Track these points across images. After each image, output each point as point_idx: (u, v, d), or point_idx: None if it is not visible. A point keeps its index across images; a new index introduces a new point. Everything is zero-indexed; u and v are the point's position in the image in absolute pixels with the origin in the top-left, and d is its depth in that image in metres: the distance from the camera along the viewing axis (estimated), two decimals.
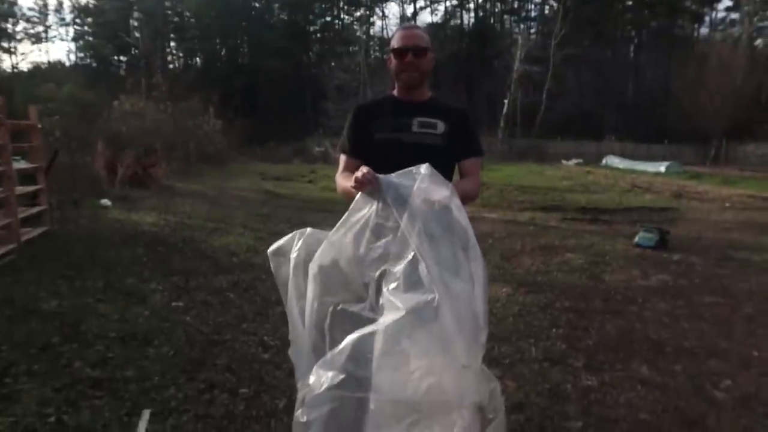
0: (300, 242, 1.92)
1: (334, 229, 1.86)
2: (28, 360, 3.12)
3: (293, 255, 1.91)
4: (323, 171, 18.21)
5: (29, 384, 2.86)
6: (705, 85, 28.47)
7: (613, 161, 25.46)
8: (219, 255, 5.81)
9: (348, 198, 1.95)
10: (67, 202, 7.93)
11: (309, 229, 1.94)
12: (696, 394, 3.09)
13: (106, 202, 8.45)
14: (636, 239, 7.19)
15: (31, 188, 6.36)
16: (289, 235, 1.94)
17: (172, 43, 42.76)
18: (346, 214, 1.82)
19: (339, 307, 1.81)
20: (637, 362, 3.50)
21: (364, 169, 1.80)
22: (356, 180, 1.79)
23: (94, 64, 41.33)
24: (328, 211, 8.88)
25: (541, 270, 5.80)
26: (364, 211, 1.81)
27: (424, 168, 1.77)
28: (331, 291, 1.83)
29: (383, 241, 1.76)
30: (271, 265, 2.00)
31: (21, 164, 6.74)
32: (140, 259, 5.43)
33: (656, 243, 6.99)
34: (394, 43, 2.09)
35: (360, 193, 1.81)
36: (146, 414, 2.60)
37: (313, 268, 1.85)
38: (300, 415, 1.67)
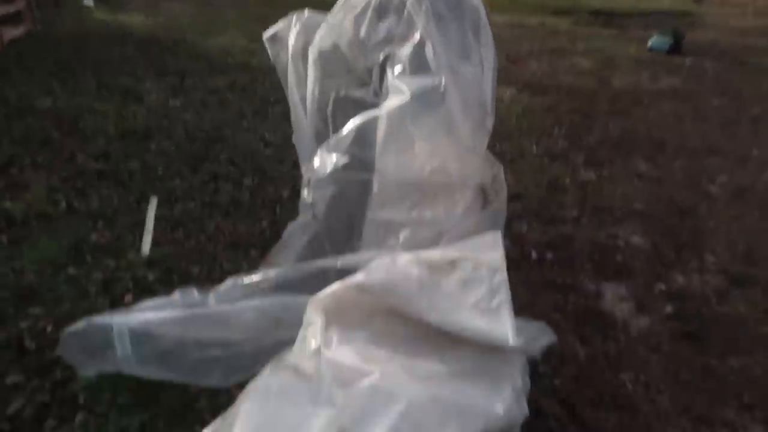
0: (298, 26, 1.80)
1: (334, 9, 1.73)
2: (30, 153, 3.12)
3: (291, 40, 1.81)
4: None
5: (35, 174, 2.90)
6: None
7: None
8: (213, 55, 5.56)
9: None
10: (47, 1, 7.40)
11: (307, 11, 1.81)
12: (691, 187, 3.16)
13: (88, 1, 7.89)
14: (649, 43, 6.85)
15: None
16: (286, 19, 1.81)
17: None
18: None
19: (342, 93, 1.75)
20: (636, 159, 3.52)
21: None
22: None
23: None
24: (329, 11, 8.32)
25: (547, 73, 5.61)
26: None
27: None
28: (332, 76, 1.76)
29: (387, 21, 1.64)
30: (269, 52, 1.90)
31: None
32: (132, 58, 5.20)
33: (670, 47, 6.67)
34: None
35: None
36: (154, 200, 2.68)
37: (313, 52, 1.76)
38: (306, 195, 1.69)
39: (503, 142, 3.63)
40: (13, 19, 5.83)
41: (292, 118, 1.91)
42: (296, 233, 1.80)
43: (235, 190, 2.88)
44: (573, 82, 5.31)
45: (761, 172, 3.40)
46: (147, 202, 2.68)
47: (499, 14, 9.67)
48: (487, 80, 1.64)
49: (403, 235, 1.64)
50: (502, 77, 5.18)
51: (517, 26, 8.44)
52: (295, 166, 3.08)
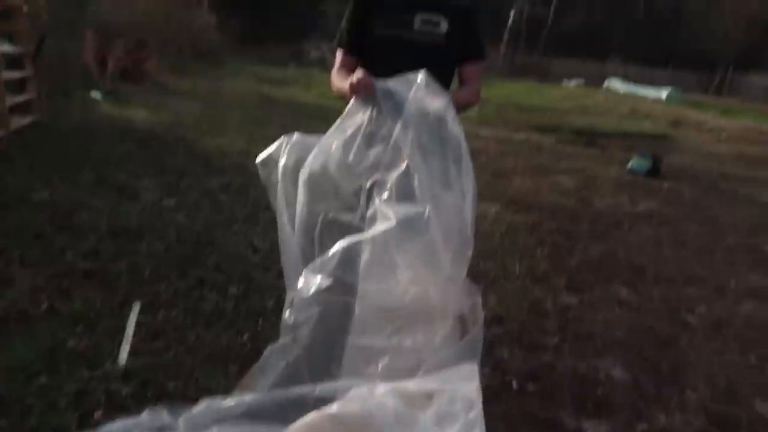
0: (287, 148, 1.86)
1: (326, 134, 1.82)
2: (20, 247, 3.14)
3: (281, 162, 1.86)
4: (320, 77, 17.71)
5: (22, 270, 2.90)
6: (719, 7, 27.42)
7: (615, 84, 24.90)
8: (211, 156, 5.75)
9: (342, 98, 1.89)
10: (57, 92, 7.71)
11: (297, 135, 1.87)
12: (670, 318, 3.22)
13: (96, 94, 8.23)
14: (629, 164, 7.19)
15: (18, 74, 6.15)
16: (277, 142, 1.88)
17: None
18: (339, 119, 1.78)
19: (329, 216, 1.80)
20: (617, 285, 3.60)
21: (359, 74, 1.75)
22: (351, 85, 1.74)
23: None
24: (322, 118, 8.64)
25: (531, 190, 5.83)
26: (357, 117, 1.77)
27: (420, 75, 1.71)
28: (320, 199, 1.81)
29: (375, 149, 1.73)
30: (261, 175, 1.97)
31: (6, 47, 6.48)
32: (132, 155, 5.36)
33: (649, 170, 7.01)
34: None
35: (354, 98, 1.76)
36: (137, 306, 2.67)
37: (303, 174, 1.81)
38: (288, 317, 1.71)
39: (487, 261, 3.71)
40: (22, 108, 6.05)
41: (280, 238, 1.94)
42: (275, 356, 1.80)
43: (220, 297, 2.88)
44: (556, 200, 5.51)
45: (738, 304, 3.48)
46: (130, 306, 2.67)
47: (487, 128, 10.17)
48: (468, 209, 1.70)
49: (382, 363, 1.65)
50: (488, 193, 5.41)
51: (504, 141, 8.84)
52: (281, 275, 3.11)
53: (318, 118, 8.98)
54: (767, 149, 10.73)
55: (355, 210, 1.78)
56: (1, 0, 5.87)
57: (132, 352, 2.34)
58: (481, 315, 1.77)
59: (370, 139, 1.74)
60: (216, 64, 17.31)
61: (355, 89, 1.74)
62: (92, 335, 2.43)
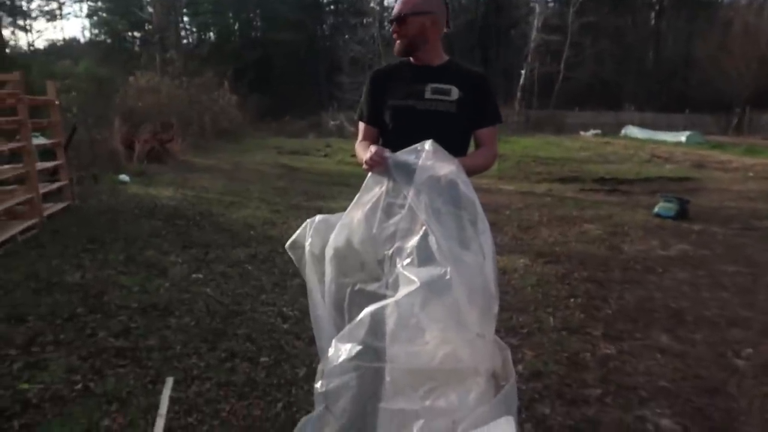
0: (311, 231, 1.97)
1: (347, 210, 1.90)
2: (54, 330, 3.19)
3: (307, 245, 1.96)
4: (338, 144, 18.16)
5: (56, 353, 2.93)
6: (729, 51, 27.65)
7: (633, 131, 24.98)
8: (236, 228, 5.85)
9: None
10: (87, 177, 8.02)
11: (318, 217, 1.98)
12: (716, 362, 3.08)
13: (124, 177, 8.53)
14: (656, 209, 7.09)
15: (51, 164, 6.43)
16: (301, 227, 1.98)
17: (185, 18, 42.39)
18: (358, 194, 1.87)
19: (356, 287, 1.87)
20: (656, 331, 3.48)
21: (373, 149, 1.85)
22: (366, 162, 1.85)
23: (109, 41, 41.19)
24: (343, 184, 8.88)
25: (558, 241, 5.76)
26: (374, 190, 1.86)
27: (428, 144, 1.79)
28: (347, 273, 1.89)
29: (395, 218, 1.80)
30: (293, 258, 2.03)
31: (40, 140, 6.81)
32: (159, 232, 5.49)
33: (676, 213, 6.89)
34: None
35: (370, 173, 1.86)
36: (170, 381, 2.66)
37: (328, 251, 1.90)
38: (320, 386, 1.71)
39: (520, 315, 3.63)
40: (55, 195, 6.29)
41: (312, 316, 2.00)
42: (310, 426, 1.79)
43: (252, 368, 2.86)
44: (584, 249, 5.43)
45: None
46: (163, 382, 2.67)
47: (508, 182, 10.22)
48: (489, 266, 1.73)
49: (417, 426, 1.63)
50: (515, 246, 5.37)
51: (526, 194, 8.84)
52: (311, 342, 3.09)
53: (339, 184, 9.19)
54: None
55: (381, 279, 1.84)
56: (33, 99, 6.22)
57: (166, 429, 2.31)
58: (512, 370, 1.74)
59: (388, 210, 1.82)
60: (238, 140, 17.91)
61: (369, 165, 1.84)
62: (126, 414, 2.42)
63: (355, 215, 1.86)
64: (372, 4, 39.98)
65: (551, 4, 38.52)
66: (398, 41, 2.05)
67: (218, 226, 5.88)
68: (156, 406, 2.46)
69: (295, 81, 36.93)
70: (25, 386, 2.59)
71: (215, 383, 2.70)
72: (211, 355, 2.98)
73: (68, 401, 2.50)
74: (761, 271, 4.74)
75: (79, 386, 2.61)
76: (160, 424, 2.34)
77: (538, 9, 32.81)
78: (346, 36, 37.95)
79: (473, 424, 1.59)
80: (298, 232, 1.97)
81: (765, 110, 27.97)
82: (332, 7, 46.58)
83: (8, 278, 3.99)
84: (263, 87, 29.63)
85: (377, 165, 1.82)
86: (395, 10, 2.04)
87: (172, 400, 2.52)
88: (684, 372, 2.96)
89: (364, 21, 38.64)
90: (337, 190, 8.40)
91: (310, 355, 2.98)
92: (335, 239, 1.87)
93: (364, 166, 1.86)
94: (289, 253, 1.99)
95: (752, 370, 3.00)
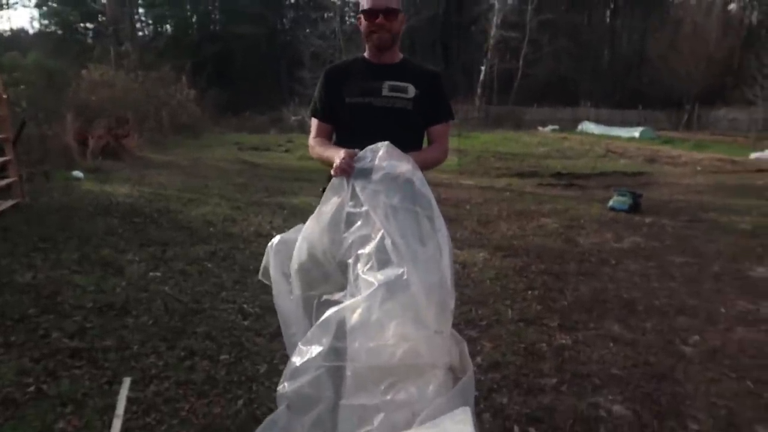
0: (272, 253, 2.01)
1: (307, 222, 1.93)
2: (4, 332, 3.09)
3: (271, 269, 2.01)
4: (300, 140, 18.01)
5: (6, 355, 2.84)
6: (679, 49, 28.62)
7: (589, 127, 25.64)
8: (196, 225, 5.76)
9: (323, 162, 2.00)
10: (38, 174, 7.74)
11: (276, 238, 2.02)
12: (665, 350, 3.21)
13: (78, 173, 8.27)
14: (610, 203, 7.32)
15: None
16: (265, 253, 2.03)
17: (141, 10, 41.32)
18: (318, 207, 1.89)
19: (323, 299, 1.90)
20: (609, 321, 3.61)
21: (342, 154, 1.82)
22: (335, 169, 1.82)
23: (60, 32, 39.78)
24: (305, 180, 8.82)
25: (517, 234, 5.88)
26: (333, 200, 1.86)
27: (384, 145, 1.81)
28: (312, 285, 1.93)
29: (354, 227, 1.81)
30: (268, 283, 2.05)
31: None
32: (115, 230, 5.35)
33: (629, 206, 7.12)
34: (364, 4, 2.04)
35: (333, 179, 1.85)
36: (127, 381, 2.62)
37: (293, 266, 1.94)
38: (282, 387, 1.73)
39: (479, 308, 3.70)
40: (3, 192, 6.05)
41: (282, 330, 2.02)
42: (271, 426, 1.81)
43: (212, 366, 2.84)
44: (542, 242, 5.56)
45: (730, 331, 3.48)
46: (120, 383, 2.62)
47: (468, 177, 10.35)
48: (446, 262, 1.77)
49: (377, 420, 1.66)
50: (475, 240, 5.45)
51: (486, 189, 8.97)
52: (272, 339, 3.11)
53: (301, 180, 9.12)
54: (742, 179, 11.00)
55: (345, 288, 1.85)
56: None
57: (124, 430, 2.28)
58: (469, 362, 1.80)
59: (348, 220, 1.82)
60: (197, 136, 17.57)
61: (338, 172, 1.81)
62: (82, 415, 2.37)
63: (315, 227, 1.88)
64: None
65: (510, 1, 39.02)
66: (382, 35, 2.03)
67: (177, 224, 5.77)
68: (113, 407, 2.42)
69: (256, 76, 36.44)
70: None
71: (174, 382, 2.67)
72: (170, 354, 2.94)
73: (20, 404, 2.43)
74: (707, 262, 4.95)
75: (32, 389, 2.54)
76: (117, 424, 2.30)
77: (497, 5, 33.18)
78: (307, 30, 37.59)
79: (431, 415, 1.63)
80: (263, 261, 2.02)
81: (713, 107, 29.09)
82: (292, 0, 46.10)
83: None
84: (223, 82, 29.18)
85: (345, 173, 1.80)
86: (384, 3, 2.01)
87: (130, 401, 2.49)
88: (635, 359, 3.07)
89: (325, 15, 38.36)
90: (298, 185, 8.34)
91: (271, 352, 2.98)
92: (298, 254, 1.90)
93: (333, 172, 1.83)
94: (264, 281, 2.03)
95: (698, 357, 3.14)
